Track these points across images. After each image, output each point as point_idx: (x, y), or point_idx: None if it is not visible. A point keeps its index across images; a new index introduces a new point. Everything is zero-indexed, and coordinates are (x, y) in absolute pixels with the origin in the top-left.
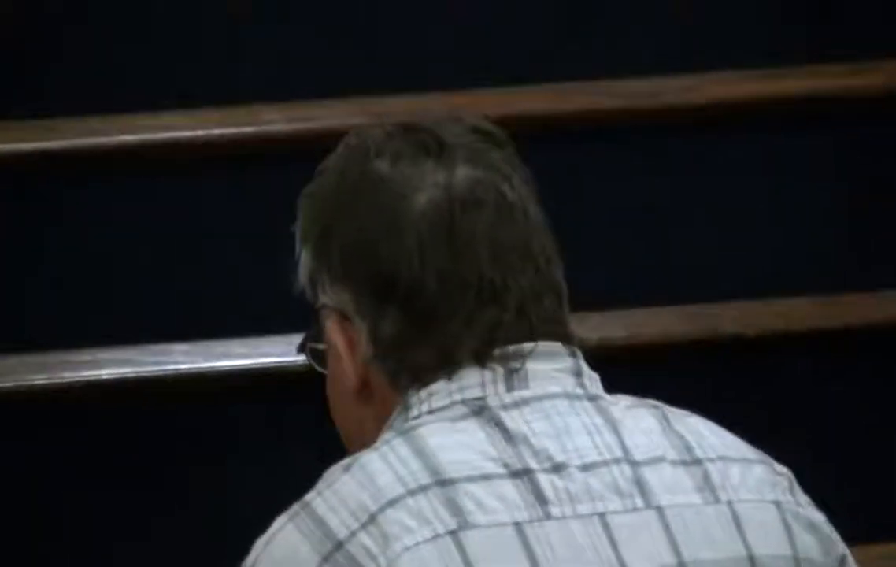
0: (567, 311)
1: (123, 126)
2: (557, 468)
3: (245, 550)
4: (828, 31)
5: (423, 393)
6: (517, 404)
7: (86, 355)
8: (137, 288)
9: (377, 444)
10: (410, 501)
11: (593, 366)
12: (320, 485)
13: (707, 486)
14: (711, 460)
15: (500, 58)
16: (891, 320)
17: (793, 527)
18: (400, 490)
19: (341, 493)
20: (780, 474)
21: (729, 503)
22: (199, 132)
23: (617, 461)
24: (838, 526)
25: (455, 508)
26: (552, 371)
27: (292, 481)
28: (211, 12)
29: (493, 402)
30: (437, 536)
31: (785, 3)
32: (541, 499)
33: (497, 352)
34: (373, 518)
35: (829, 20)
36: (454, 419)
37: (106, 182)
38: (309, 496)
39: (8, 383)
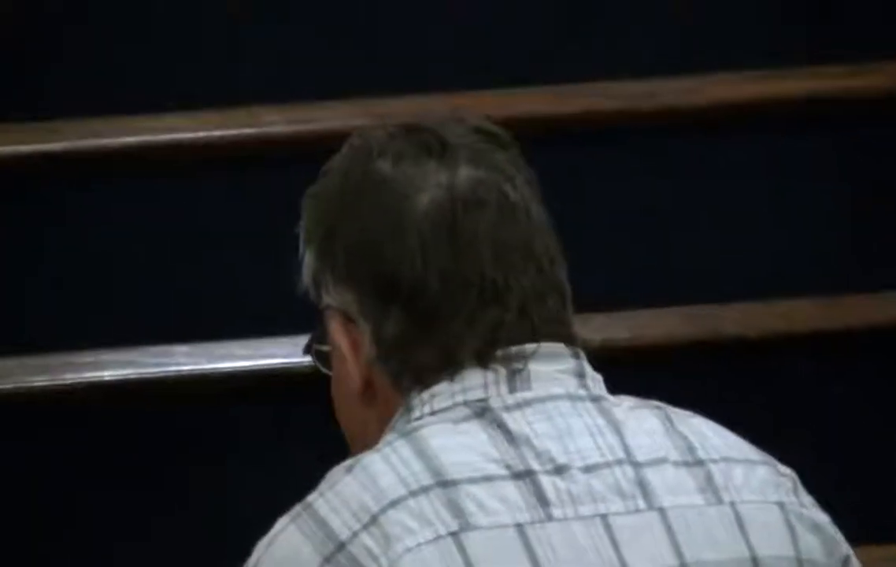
0: (571, 312)
1: (125, 128)
2: (559, 470)
3: (247, 552)
4: (828, 31)
5: (426, 394)
6: (519, 406)
7: (88, 357)
8: (139, 289)
9: (379, 446)
10: (412, 503)
11: (596, 367)
12: (322, 486)
13: (710, 487)
14: (714, 461)
15: (501, 58)
16: (893, 321)
17: (796, 528)
18: (402, 491)
19: (343, 494)
20: (783, 475)
21: (732, 504)
22: (200, 134)
23: (619, 462)
24: (840, 527)
25: (456, 510)
26: (555, 372)
27: (294, 482)
28: (211, 13)
29: (495, 403)
30: (438, 538)
31: (785, 3)
32: (543, 500)
33: (499, 353)
34: (374, 519)
35: (830, 21)
36: (456, 421)
37: (107, 184)
38: (311, 497)
39: (9, 385)
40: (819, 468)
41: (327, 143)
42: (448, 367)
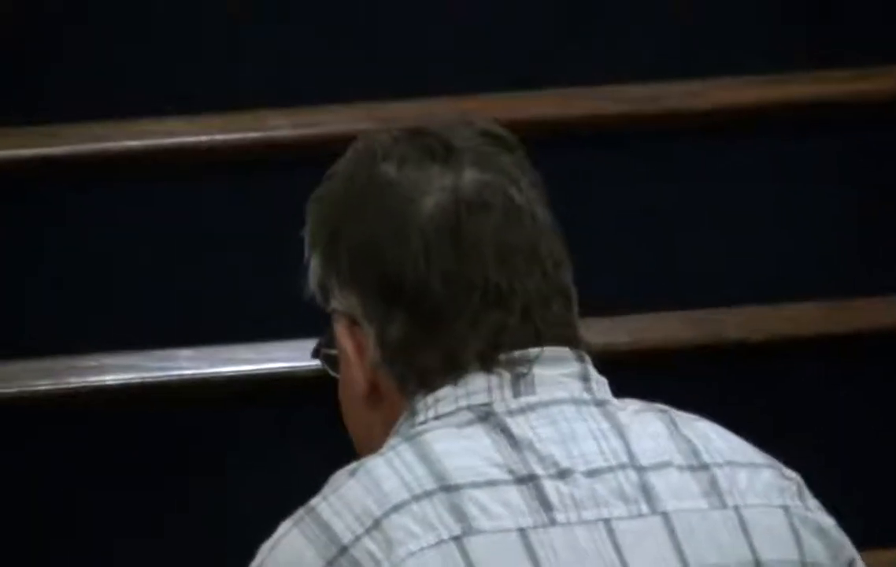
0: (576, 315)
1: (127, 132)
2: (563, 474)
3: (250, 554)
4: (829, 33)
5: (430, 398)
6: (523, 410)
7: (90, 361)
8: (142, 294)
9: (383, 450)
10: (415, 507)
11: (599, 370)
12: (326, 490)
13: (714, 491)
14: (719, 465)
15: (501, 58)
16: None
17: (800, 531)
18: (405, 495)
19: (346, 497)
20: (788, 479)
21: (736, 508)
22: (204, 137)
23: (623, 467)
24: (846, 532)
25: (459, 514)
26: (559, 376)
27: (297, 485)
28: (211, 13)
29: (499, 407)
30: (441, 542)
31: (785, 5)
32: (546, 505)
33: (503, 357)
34: (377, 523)
35: (832, 23)
36: (460, 425)
37: (110, 188)
38: (314, 501)
39: (13, 389)
40: (824, 472)
41: (332, 147)
42: (452, 370)
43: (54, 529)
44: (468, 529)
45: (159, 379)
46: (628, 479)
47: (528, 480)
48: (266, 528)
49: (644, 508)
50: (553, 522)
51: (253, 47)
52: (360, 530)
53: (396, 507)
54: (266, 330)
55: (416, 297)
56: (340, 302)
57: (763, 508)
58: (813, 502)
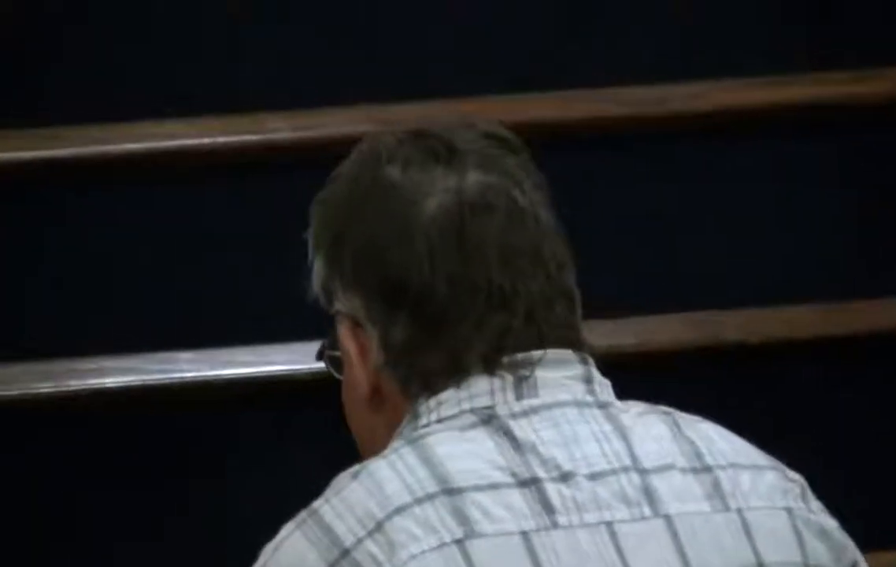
0: (579, 317)
1: (127, 134)
2: (565, 477)
3: (251, 558)
4: (829, 34)
5: (433, 401)
6: (526, 413)
7: (90, 363)
8: (142, 296)
9: (385, 452)
10: (417, 510)
11: (602, 372)
12: (328, 492)
13: (717, 493)
14: (722, 467)
15: (501, 59)
16: None
17: (803, 533)
18: (407, 498)
19: (349, 500)
20: (791, 481)
21: (739, 511)
22: (204, 140)
23: (625, 469)
24: (846, 533)
25: (462, 517)
26: (562, 378)
27: (296, 488)
28: (211, 13)
29: (501, 410)
30: (443, 545)
31: (786, 7)
32: (548, 508)
33: (506, 359)
34: (379, 526)
35: (832, 25)
36: (463, 428)
37: (110, 190)
38: (317, 503)
39: (13, 391)
40: (825, 474)
41: (332, 150)
42: (455, 373)
43: (54, 532)
44: (470, 532)
45: (159, 381)
46: (631, 482)
47: (530, 483)
48: (266, 530)
49: (646, 511)
50: (555, 525)
51: (253, 48)
52: (362, 533)
53: (398, 510)
54: (266, 332)
55: (419, 299)
56: (344, 304)
57: (766, 511)
58: (816, 504)
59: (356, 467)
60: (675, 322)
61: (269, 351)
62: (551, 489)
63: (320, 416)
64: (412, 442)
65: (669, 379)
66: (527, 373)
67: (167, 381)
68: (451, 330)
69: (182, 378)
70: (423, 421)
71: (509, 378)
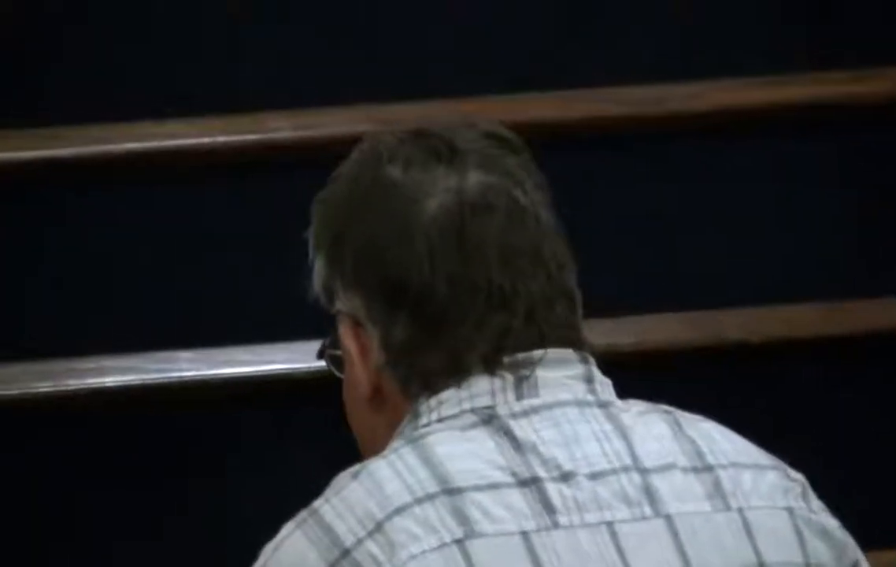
0: (580, 317)
1: (127, 134)
2: (566, 477)
3: (251, 558)
4: (829, 34)
5: (433, 401)
6: (526, 413)
7: (90, 363)
8: (141, 296)
9: (386, 452)
10: (417, 510)
11: (604, 372)
12: (328, 492)
13: (718, 493)
14: (723, 467)
15: (501, 59)
16: None
17: (804, 533)
18: (407, 498)
19: (349, 500)
20: (793, 480)
21: (740, 510)
22: (204, 140)
23: (626, 469)
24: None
25: (462, 517)
26: (563, 378)
27: (296, 487)
28: (211, 13)
29: (502, 410)
30: (443, 545)
31: (786, 7)
32: (548, 508)
33: (507, 359)
34: (379, 526)
35: (831, 25)
36: (463, 428)
37: (110, 190)
38: (317, 503)
39: (13, 391)
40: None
41: (332, 149)
42: (456, 372)
43: (54, 531)
44: (470, 532)
45: (159, 381)
46: (631, 482)
47: (530, 483)
48: (266, 530)
49: (647, 511)
50: (556, 525)
51: (253, 48)
52: (362, 533)
53: (399, 510)
54: (266, 332)
55: (420, 299)
56: (344, 303)
57: (767, 510)
58: (817, 504)
59: (356, 467)
60: (675, 321)
61: (269, 350)
62: (552, 489)
63: (320, 416)
64: (412, 442)
65: (669, 378)
66: (527, 372)
67: (167, 380)
68: (452, 330)
69: (182, 378)
70: (424, 421)
71: (510, 378)
